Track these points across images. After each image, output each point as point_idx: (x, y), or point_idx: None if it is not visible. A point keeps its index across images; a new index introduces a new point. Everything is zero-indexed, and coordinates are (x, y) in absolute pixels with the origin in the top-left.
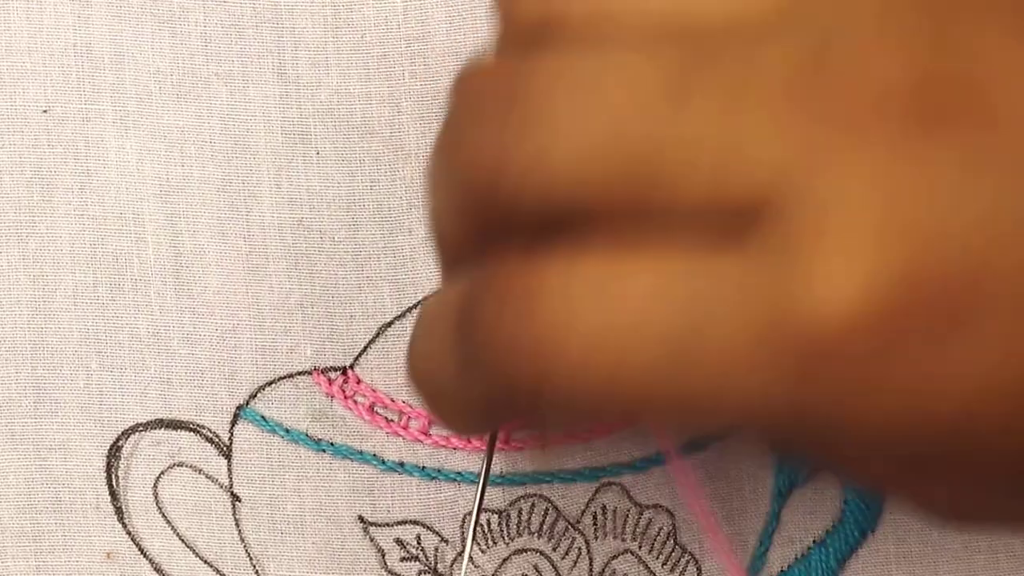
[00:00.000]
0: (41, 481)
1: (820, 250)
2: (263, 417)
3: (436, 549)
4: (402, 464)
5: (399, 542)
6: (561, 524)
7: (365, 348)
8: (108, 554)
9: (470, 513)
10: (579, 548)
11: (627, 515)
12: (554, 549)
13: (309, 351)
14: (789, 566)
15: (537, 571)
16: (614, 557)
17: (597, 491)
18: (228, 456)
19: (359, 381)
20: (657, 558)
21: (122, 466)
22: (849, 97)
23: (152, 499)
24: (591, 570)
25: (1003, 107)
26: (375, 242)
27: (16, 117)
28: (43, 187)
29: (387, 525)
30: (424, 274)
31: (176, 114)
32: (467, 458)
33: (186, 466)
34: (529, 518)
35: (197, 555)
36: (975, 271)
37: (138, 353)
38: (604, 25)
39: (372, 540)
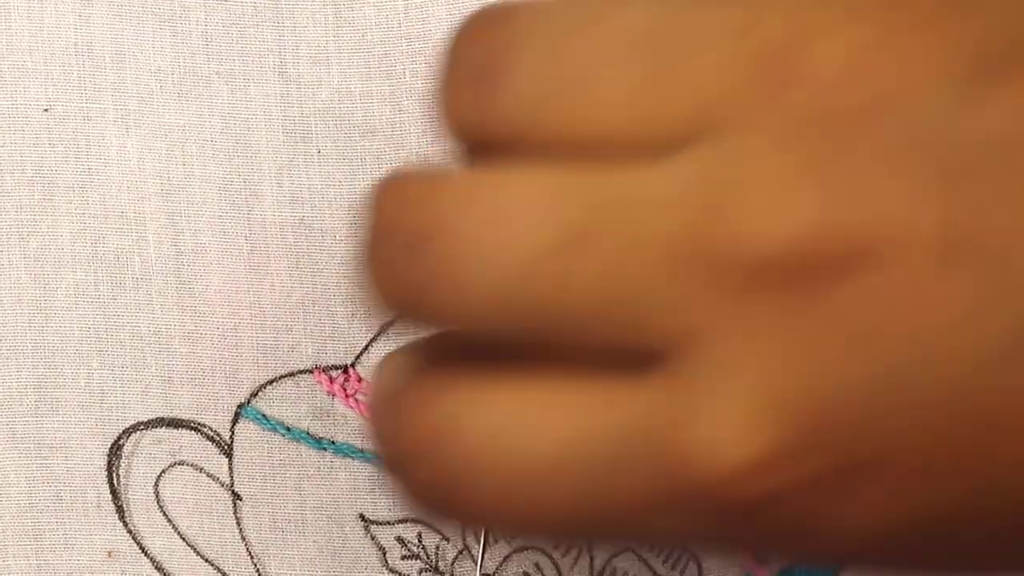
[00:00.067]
0: (42, 480)
1: (713, 401)
2: (264, 416)
3: (437, 547)
4: None
5: (400, 540)
6: None
7: (367, 347)
8: (109, 553)
9: None
10: (580, 546)
11: None
12: (555, 547)
13: (310, 349)
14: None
15: (538, 569)
16: (615, 555)
17: None
18: (229, 455)
19: (360, 379)
20: (658, 556)
21: (123, 465)
22: (736, 258)
23: (153, 498)
24: (592, 568)
25: (891, 260)
26: None
27: (17, 116)
28: (44, 186)
29: (388, 523)
30: None
31: (177, 113)
32: None
33: (187, 464)
34: None
35: (198, 554)
36: (859, 428)
37: (139, 352)
38: (522, 147)
39: (373, 538)
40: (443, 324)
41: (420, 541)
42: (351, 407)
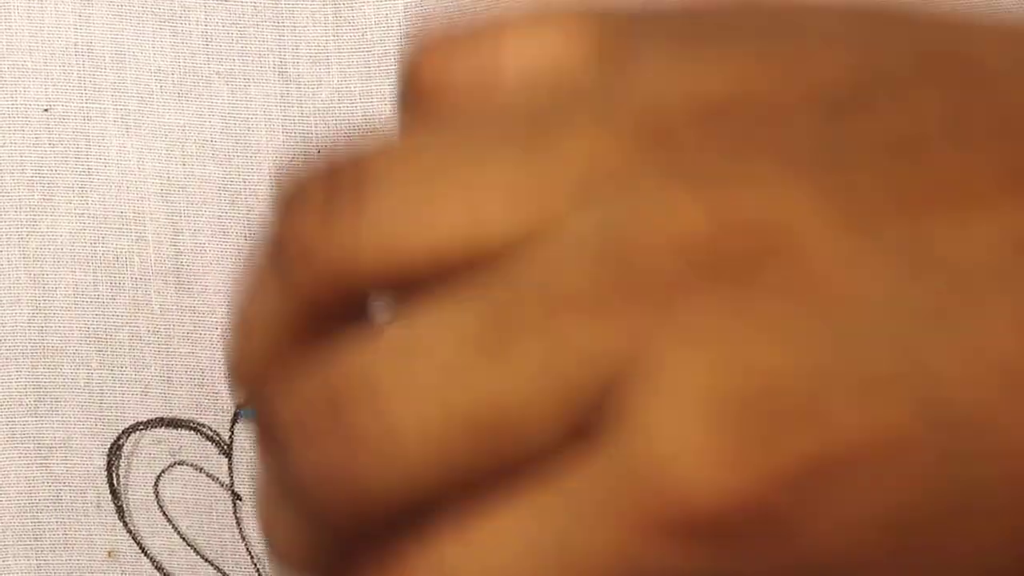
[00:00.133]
0: (42, 480)
1: (671, 435)
2: None
3: None
4: None
5: None
6: None
7: None
8: (109, 552)
9: None
10: None
11: None
12: None
13: None
14: None
15: None
16: None
17: None
18: (229, 455)
19: None
20: None
21: (123, 465)
22: (651, 276)
23: (153, 498)
24: None
25: (811, 250)
26: None
27: (17, 116)
28: (44, 186)
29: None
30: None
31: (177, 113)
32: None
33: (187, 465)
34: None
35: (198, 553)
36: (811, 415)
37: (139, 352)
38: (400, 272)
39: None
40: (374, 501)
41: None
42: None
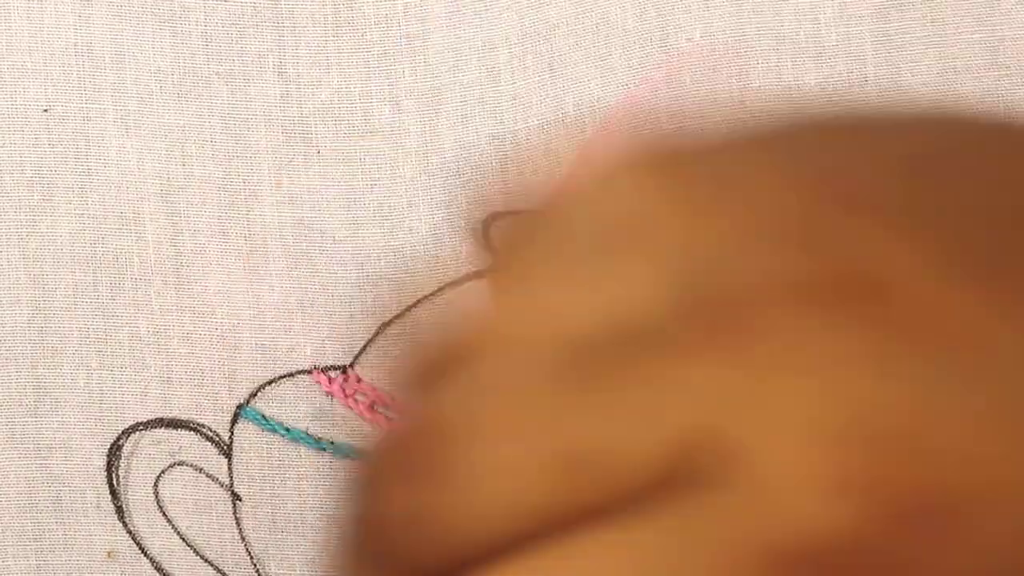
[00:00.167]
0: (41, 480)
1: (783, 464)
2: (263, 416)
3: None
4: None
5: None
6: None
7: (365, 347)
8: (109, 553)
9: None
10: None
11: None
12: None
13: (309, 350)
14: None
15: None
16: None
17: None
18: (228, 455)
19: (359, 380)
20: None
21: (122, 465)
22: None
23: (153, 498)
24: None
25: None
26: (375, 241)
27: (17, 116)
28: (43, 186)
29: None
30: (424, 274)
31: (177, 113)
32: None
33: (186, 465)
34: None
35: (198, 554)
36: (916, 454)
37: (138, 352)
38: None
39: None
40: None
41: None
42: (350, 407)
